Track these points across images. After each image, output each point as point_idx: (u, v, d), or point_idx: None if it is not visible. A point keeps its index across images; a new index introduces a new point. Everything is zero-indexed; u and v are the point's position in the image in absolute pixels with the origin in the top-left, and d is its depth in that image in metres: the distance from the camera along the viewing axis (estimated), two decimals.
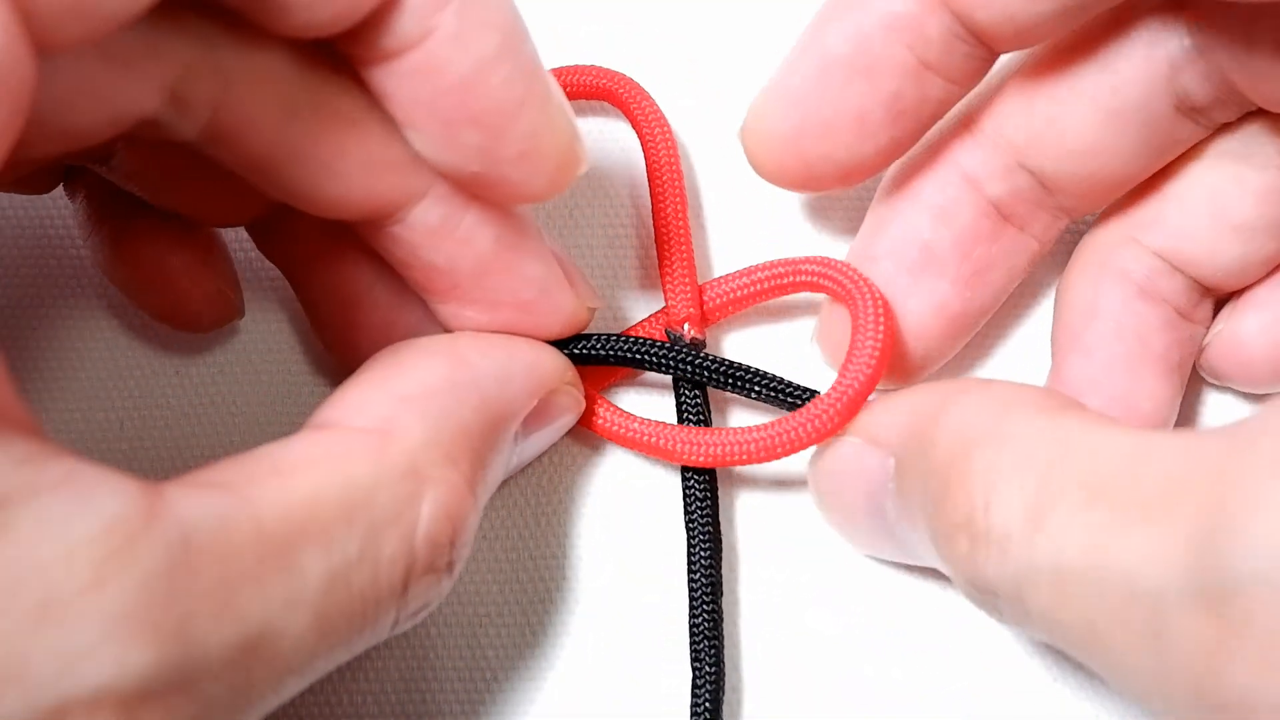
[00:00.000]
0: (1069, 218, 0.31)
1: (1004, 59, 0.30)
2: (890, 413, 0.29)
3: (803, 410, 0.30)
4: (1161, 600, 0.21)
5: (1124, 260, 0.31)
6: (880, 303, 0.30)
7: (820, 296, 0.33)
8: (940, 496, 0.25)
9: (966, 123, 0.31)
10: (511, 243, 0.28)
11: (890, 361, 0.30)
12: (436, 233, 0.27)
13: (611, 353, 0.31)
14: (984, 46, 0.29)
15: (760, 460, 0.30)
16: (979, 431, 0.25)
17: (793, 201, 0.35)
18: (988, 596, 0.25)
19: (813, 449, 0.30)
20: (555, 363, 0.30)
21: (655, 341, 0.32)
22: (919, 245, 0.31)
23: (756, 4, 0.36)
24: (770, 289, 0.32)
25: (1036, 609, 0.23)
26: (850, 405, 0.29)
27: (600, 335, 0.31)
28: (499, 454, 0.28)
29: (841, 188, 0.32)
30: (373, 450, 0.25)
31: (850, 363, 0.30)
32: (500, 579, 0.33)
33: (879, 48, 0.29)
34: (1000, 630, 0.32)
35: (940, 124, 0.31)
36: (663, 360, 0.31)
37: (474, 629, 0.33)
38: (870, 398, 0.30)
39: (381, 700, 0.32)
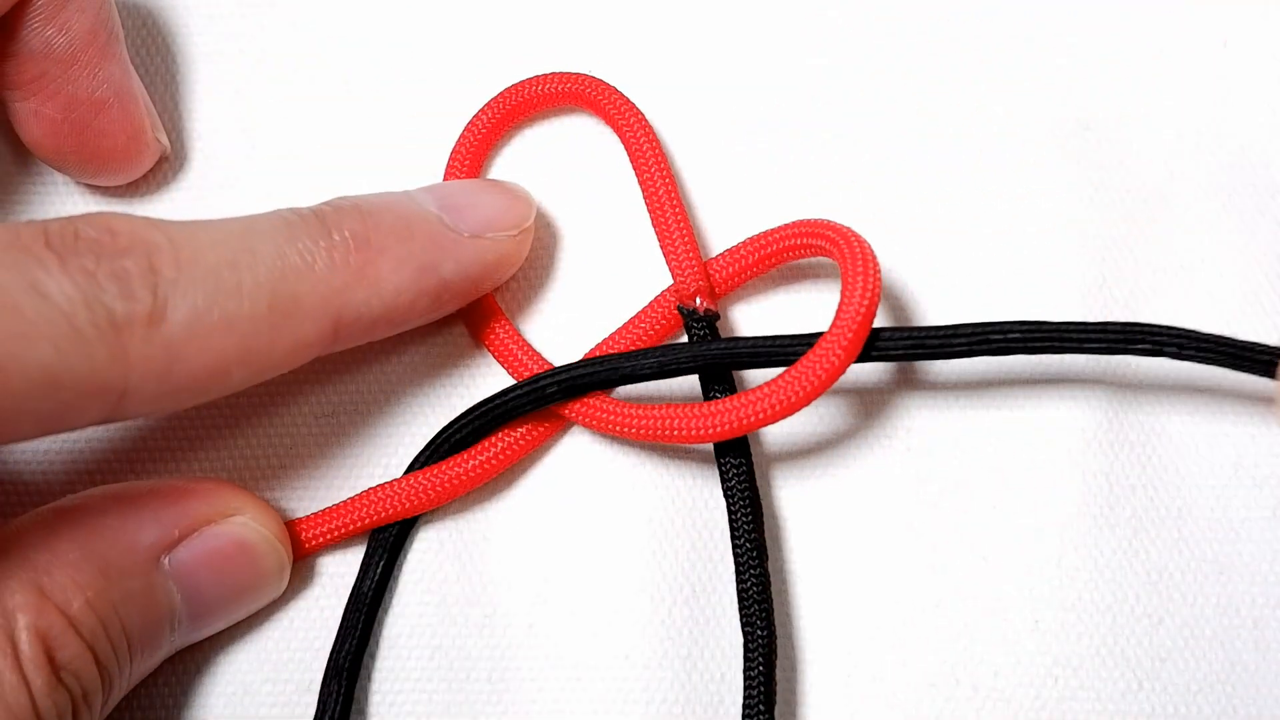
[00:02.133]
0: None
1: None
2: None
3: (805, 357, 0.30)
4: None
5: None
6: (869, 251, 0.30)
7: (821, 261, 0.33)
8: None
9: None
10: (102, 43, 0.32)
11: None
12: (42, 13, 0.31)
13: (621, 373, 0.31)
14: None
15: (779, 417, 0.30)
16: None
17: (781, 182, 0.35)
18: None
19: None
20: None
21: (670, 346, 0.32)
22: None
23: None
24: (776, 252, 0.33)
25: None
26: (853, 343, 0.30)
27: (599, 360, 0.32)
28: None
29: None
30: None
31: (844, 307, 0.30)
32: (550, 569, 0.33)
33: None
34: (1048, 599, 0.32)
35: None
36: (673, 361, 0.31)
37: (532, 610, 0.33)
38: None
39: (441, 677, 0.32)
